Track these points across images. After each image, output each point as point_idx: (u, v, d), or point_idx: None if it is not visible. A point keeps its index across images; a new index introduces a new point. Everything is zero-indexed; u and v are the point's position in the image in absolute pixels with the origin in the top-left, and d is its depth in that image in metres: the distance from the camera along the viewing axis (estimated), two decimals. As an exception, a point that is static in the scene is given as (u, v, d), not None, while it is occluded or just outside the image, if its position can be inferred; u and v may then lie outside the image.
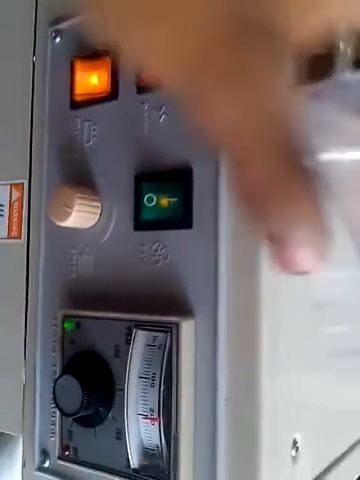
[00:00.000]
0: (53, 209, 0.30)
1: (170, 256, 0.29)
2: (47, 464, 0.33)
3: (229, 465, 0.27)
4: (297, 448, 0.30)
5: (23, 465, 0.36)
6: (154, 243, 0.29)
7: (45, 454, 0.33)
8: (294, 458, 0.30)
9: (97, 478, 0.30)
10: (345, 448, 0.40)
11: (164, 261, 0.29)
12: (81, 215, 0.30)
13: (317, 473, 0.34)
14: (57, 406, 0.29)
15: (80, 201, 0.30)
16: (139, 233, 0.30)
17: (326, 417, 0.36)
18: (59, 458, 0.31)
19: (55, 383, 0.29)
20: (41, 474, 0.34)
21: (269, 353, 0.27)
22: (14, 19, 0.39)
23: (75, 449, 0.31)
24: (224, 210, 0.27)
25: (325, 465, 0.36)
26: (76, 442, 0.30)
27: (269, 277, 0.27)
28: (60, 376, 0.29)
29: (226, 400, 0.27)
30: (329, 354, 0.37)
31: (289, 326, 0.30)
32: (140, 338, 0.28)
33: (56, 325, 0.31)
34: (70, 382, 0.28)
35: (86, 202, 0.30)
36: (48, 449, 0.33)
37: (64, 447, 0.31)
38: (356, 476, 0.43)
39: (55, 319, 0.32)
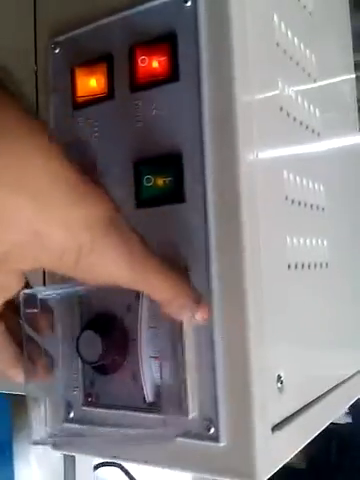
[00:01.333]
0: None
1: (168, 228, 0.34)
2: (72, 414, 0.39)
3: (227, 392, 0.33)
4: (281, 381, 0.37)
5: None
6: (153, 218, 0.35)
7: (69, 406, 0.39)
8: (280, 389, 0.36)
9: (117, 417, 0.36)
10: (325, 389, 0.46)
11: (163, 233, 0.35)
12: (90, 198, 0.36)
13: (301, 405, 0.40)
14: (81, 357, 0.34)
15: (89, 186, 0.35)
16: (140, 210, 0.36)
17: (307, 360, 0.42)
18: (83, 405, 0.37)
19: (78, 338, 0.34)
20: (66, 424, 0.39)
21: (254, 307, 0.33)
22: (15, 33, 0.44)
23: (97, 395, 0.36)
24: (210, 185, 0.33)
25: (307, 401, 0.42)
26: (97, 389, 0.36)
27: (249, 241, 0.33)
28: (81, 332, 0.35)
29: (222, 338, 0.33)
30: (308, 307, 0.43)
31: (269, 282, 0.36)
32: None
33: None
34: (90, 336, 0.34)
35: (94, 187, 0.36)
36: (72, 402, 0.39)
37: (87, 395, 0.37)
38: (337, 414, 0.49)
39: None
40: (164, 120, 0.34)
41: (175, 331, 0.33)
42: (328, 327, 0.49)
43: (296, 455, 0.40)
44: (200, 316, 0.32)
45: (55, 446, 0.41)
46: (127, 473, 0.84)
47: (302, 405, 0.41)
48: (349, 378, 0.53)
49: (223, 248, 0.33)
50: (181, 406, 0.33)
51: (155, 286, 0.29)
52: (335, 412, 0.50)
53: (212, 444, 0.33)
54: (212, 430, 0.33)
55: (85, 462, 0.63)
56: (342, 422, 1.13)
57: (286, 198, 0.41)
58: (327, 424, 0.47)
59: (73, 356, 0.36)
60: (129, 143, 0.36)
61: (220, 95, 0.33)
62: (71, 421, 0.39)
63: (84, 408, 0.37)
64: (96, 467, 0.70)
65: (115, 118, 0.37)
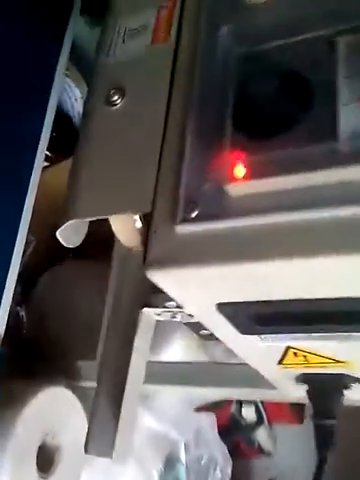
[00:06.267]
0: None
1: None
2: (195, 213, 0.30)
3: None
4: None
5: (154, 232, 0.31)
6: None
7: (193, 203, 0.30)
8: None
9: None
10: None
11: None
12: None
13: None
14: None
15: None
16: None
17: None
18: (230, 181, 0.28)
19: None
20: (184, 226, 0.30)
21: None
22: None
23: (248, 173, 0.29)
24: None
25: None
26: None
27: None
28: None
29: None
30: None
31: None
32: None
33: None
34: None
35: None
36: (197, 199, 0.30)
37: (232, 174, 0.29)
38: None
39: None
40: None
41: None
42: None
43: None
44: None
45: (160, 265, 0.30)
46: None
47: None
48: None
49: None
50: None
51: None
52: None
53: None
54: None
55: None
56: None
57: None
58: None
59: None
60: None
61: None
62: (193, 220, 0.30)
63: (232, 186, 0.29)
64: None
65: None
